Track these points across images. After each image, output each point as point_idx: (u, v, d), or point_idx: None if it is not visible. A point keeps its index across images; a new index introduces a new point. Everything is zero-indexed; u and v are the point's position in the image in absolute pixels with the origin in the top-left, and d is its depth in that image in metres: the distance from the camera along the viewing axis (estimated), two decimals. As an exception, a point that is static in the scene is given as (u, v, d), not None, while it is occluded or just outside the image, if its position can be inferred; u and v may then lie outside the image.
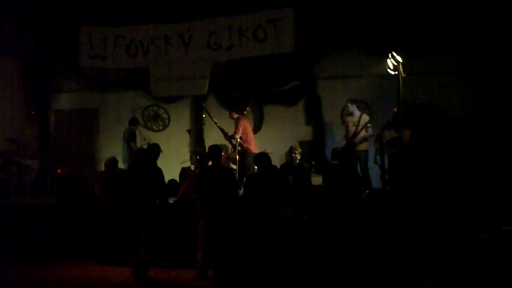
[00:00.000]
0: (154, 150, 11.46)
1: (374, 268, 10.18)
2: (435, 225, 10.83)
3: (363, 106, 15.81)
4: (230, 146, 14.63)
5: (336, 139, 15.75)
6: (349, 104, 14.74)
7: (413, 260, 10.42)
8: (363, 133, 14.10)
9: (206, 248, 10.57)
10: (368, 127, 14.14)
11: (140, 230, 10.74)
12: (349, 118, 14.71)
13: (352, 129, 14.32)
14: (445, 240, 10.64)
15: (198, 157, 13.35)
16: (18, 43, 17.12)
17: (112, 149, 15.64)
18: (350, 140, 14.02)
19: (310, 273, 10.14)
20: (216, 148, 11.19)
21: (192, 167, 13.24)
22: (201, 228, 10.63)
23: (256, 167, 11.17)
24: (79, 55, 15.78)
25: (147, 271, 10.73)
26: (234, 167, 13.94)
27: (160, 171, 11.13)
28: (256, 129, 16.04)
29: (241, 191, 11.46)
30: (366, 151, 14.10)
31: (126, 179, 11.30)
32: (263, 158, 11.22)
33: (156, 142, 15.11)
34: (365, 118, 14.37)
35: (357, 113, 14.52)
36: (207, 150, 12.20)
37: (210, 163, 11.37)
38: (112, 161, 12.86)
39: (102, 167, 13.82)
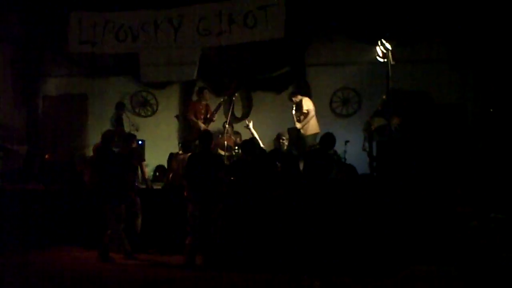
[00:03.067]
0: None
1: (363, 255, 10.25)
2: (424, 212, 10.88)
3: (351, 94, 15.89)
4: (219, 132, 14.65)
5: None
6: (293, 99, 14.95)
7: (403, 246, 10.48)
8: (302, 119, 14.59)
9: (194, 233, 10.59)
10: (306, 110, 14.63)
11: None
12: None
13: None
14: (434, 227, 10.70)
15: (181, 143, 13.36)
16: (6, 28, 16.95)
17: (100, 135, 15.56)
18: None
19: (300, 258, 10.20)
20: (206, 134, 11.25)
21: (180, 153, 13.21)
22: (190, 213, 10.64)
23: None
24: (69, 41, 15.67)
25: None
26: (223, 153, 13.96)
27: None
28: (244, 116, 16.04)
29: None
30: (314, 135, 14.40)
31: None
32: (248, 145, 11.28)
33: (144, 128, 15.35)
34: (304, 102, 14.81)
35: (303, 98, 14.92)
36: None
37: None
38: (98, 147, 12.80)
39: (91, 152, 13.78)
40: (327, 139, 11.41)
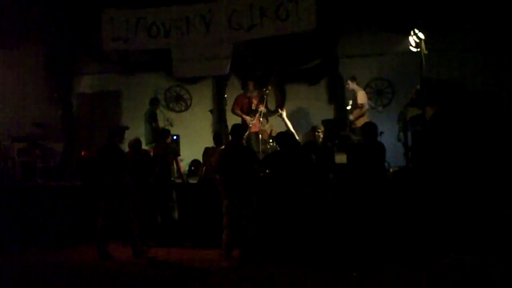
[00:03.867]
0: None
1: (400, 245, 10.20)
2: (461, 201, 10.80)
3: (385, 84, 15.81)
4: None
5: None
6: (348, 82, 14.73)
7: (440, 236, 10.41)
8: (357, 110, 14.33)
9: (230, 227, 10.62)
10: (360, 103, 14.46)
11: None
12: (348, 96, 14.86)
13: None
14: (470, 217, 10.62)
15: (213, 137, 13.37)
16: (40, 28, 17.09)
17: (135, 131, 15.63)
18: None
19: (335, 249, 10.18)
20: (238, 128, 11.27)
21: (213, 147, 13.23)
22: (226, 208, 10.68)
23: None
24: (101, 38, 15.77)
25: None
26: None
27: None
28: (277, 109, 16.02)
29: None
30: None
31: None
32: (283, 137, 11.26)
33: (178, 123, 15.37)
34: (359, 95, 14.61)
35: (358, 91, 14.73)
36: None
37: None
38: (136, 142, 12.89)
39: (125, 149, 13.85)
40: (373, 128, 11.30)
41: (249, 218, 10.57)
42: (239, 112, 14.60)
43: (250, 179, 10.72)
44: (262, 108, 14.35)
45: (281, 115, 13.90)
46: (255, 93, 14.62)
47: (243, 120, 14.41)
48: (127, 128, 12.33)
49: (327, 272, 9.50)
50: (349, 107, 15.03)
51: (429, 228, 10.59)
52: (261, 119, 14.28)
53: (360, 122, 14.05)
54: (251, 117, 14.44)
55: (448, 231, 10.50)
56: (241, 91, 15.45)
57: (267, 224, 10.83)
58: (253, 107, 14.47)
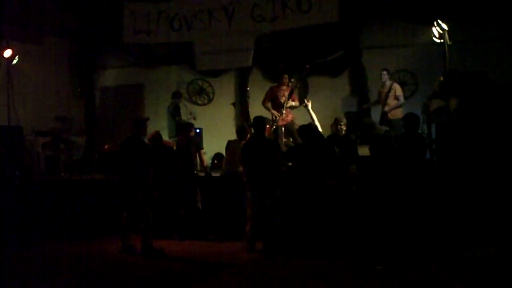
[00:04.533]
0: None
1: (425, 238, 10.12)
2: (485, 194, 10.70)
3: (408, 76, 15.71)
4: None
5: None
6: (384, 73, 14.61)
7: (464, 229, 10.33)
8: (393, 102, 14.17)
9: (254, 220, 10.63)
10: (398, 95, 14.25)
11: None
12: (380, 89, 14.75)
13: (383, 99, 14.53)
14: (495, 209, 10.52)
15: (236, 130, 13.33)
16: (62, 22, 17.19)
17: (158, 124, 15.66)
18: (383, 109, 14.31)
19: (359, 242, 10.13)
20: (260, 120, 11.25)
21: (236, 140, 13.19)
22: (249, 200, 10.68)
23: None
24: (123, 31, 15.85)
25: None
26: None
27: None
28: (300, 101, 15.93)
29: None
30: (399, 119, 13.95)
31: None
32: (305, 130, 11.22)
33: (201, 116, 15.37)
34: (395, 86, 14.39)
35: (388, 83, 14.54)
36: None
37: (249, 135, 11.70)
38: (156, 135, 12.91)
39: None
40: (415, 118, 11.24)
41: (273, 210, 10.56)
42: (268, 105, 14.37)
43: (274, 171, 10.71)
44: (296, 103, 14.25)
45: (306, 106, 13.78)
46: (284, 87, 14.44)
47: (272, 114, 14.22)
48: (147, 119, 12.25)
49: (351, 265, 9.42)
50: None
51: (453, 221, 10.50)
52: (283, 111, 14.15)
53: (394, 115, 14.04)
54: (279, 111, 14.11)
55: (473, 223, 10.40)
56: (271, 85, 15.01)
57: (291, 217, 10.80)
58: (283, 101, 14.22)
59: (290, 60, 15.88)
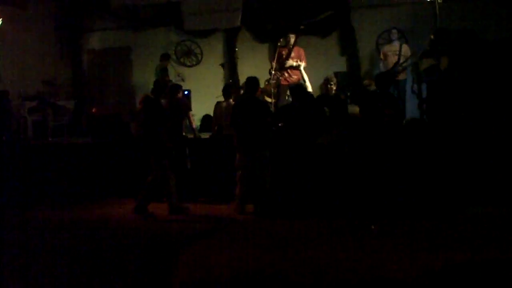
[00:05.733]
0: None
1: (417, 198, 10.08)
2: (476, 153, 10.65)
3: (399, 35, 15.57)
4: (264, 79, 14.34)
5: (375, 69, 15.36)
6: (394, 31, 14.46)
7: (457, 189, 10.29)
8: (404, 63, 14.01)
9: (243, 182, 10.55)
10: (409, 57, 14.04)
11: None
12: (387, 47, 14.48)
13: (392, 58, 14.20)
14: (487, 168, 10.48)
15: (223, 89, 13.20)
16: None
17: (146, 86, 15.61)
18: (393, 69, 13.89)
19: (349, 202, 10.08)
20: (252, 80, 11.07)
21: (223, 101, 13.07)
22: (239, 162, 10.60)
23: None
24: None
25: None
26: (270, 100, 13.79)
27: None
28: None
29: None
30: (405, 80, 14.02)
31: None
32: (297, 89, 11.13)
33: (189, 78, 15.26)
34: (406, 48, 14.26)
35: (397, 42, 14.34)
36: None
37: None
38: (146, 99, 12.82)
39: (136, 105, 13.82)
40: (387, 77, 11.17)
41: (263, 172, 10.48)
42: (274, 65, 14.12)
43: (264, 133, 10.58)
44: (296, 63, 13.89)
45: (299, 66, 13.65)
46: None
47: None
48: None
49: (343, 227, 9.37)
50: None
51: (446, 181, 10.47)
52: (273, 72, 14.03)
53: (401, 75, 14.05)
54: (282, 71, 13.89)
55: (465, 183, 10.36)
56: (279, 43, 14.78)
57: (281, 177, 10.72)
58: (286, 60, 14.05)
59: (278, 20, 15.74)
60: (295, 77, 13.81)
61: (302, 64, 13.55)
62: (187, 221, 10.51)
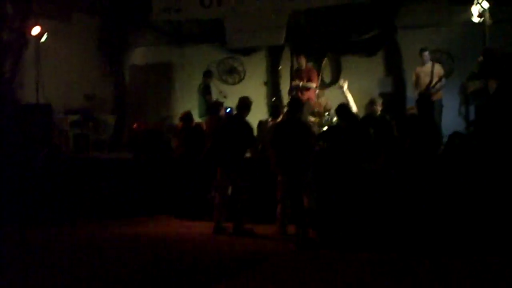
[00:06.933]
0: (244, 105, 11.23)
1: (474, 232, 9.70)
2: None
3: (443, 56, 15.29)
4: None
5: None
6: (426, 53, 14.21)
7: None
8: (437, 85, 13.73)
9: (284, 203, 10.41)
10: (442, 77, 13.76)
11: (232, 183, 10.86)
12: (419, 69, 14.23)
13: (424, 79, 13.92)
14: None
15: (272, 108, 13.08)
16: (92, 0, 17.05)
17: (188, 103, 15.56)
18: (427, 90, 13.62)
19: (401, 232, 9.75)
20: (296, 101, 11.04)
21: (270, 120, 12.94)
22: (280, 183, 10.44)
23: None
24: (153, 8, 15.63)
25: (244, 224, 10.81)
26: (313, 119, 13.66)
27: (249, 127, 11.21)
28: (333, 81, 15.68)
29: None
30: (440, 100, 13.71)
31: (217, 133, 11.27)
32: (343, 110, 10.92)
33: (232, 95, 15.12)
34: (439, 68, 13.97)
35: (429, 63, 14.05)
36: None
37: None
38: (187, 115, 12.78)
39: (178, 122, 13.75)
40: (427, 101, 10.96)
41: (305, 193, 10.22)
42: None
43: (305, 155, 10.32)
44: (310, 84, 14.22)
45: (341, 88, 13.51)
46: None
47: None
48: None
49: (390, 259, 8.95)
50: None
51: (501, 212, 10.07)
52: (317, 91, 13.98)
53: (435, 96, 13.69)
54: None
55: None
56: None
57: (327, 202, 10.44)
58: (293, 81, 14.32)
59: (323, 38, 15.59)
60: (305, 97, 14.03)
61: (345, 85, 13.44)
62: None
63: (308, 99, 13.94)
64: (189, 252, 9.74)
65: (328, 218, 10.31)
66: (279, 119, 11.92)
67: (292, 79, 14.53)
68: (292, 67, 15.13)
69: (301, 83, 14.10)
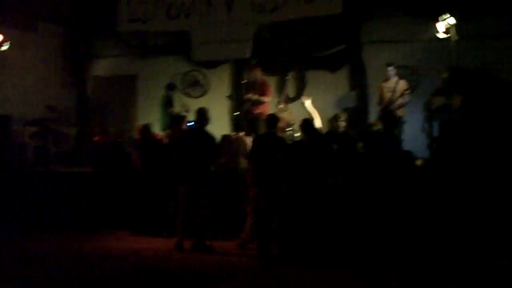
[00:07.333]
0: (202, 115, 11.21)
1: (428, 249, 9.66)
2: (489, 195, 10.27)
3: (408, 72, 15.27)
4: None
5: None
6: (390, 68, 14.18)
7: (472, 239, 9.85)
8: (400, 100, 13.70)
9: (257, 217, 10.38)
10: (405, 93, 13.76)
11: (194, 198, 10.70)
12: (384, 84, 14.19)
13: (387, 95, 13.90)
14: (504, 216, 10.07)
15: (248, 123, 12.98)
16: (56, 9, 16.88)
17: (151, 116, 15.39)
18: (387, 106, 13.62)
19: (360, 249, 9.65)
20: (272, 117, 11.07)
21: (233, 134, 12.81)
22: (253, 196, 10.46)
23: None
24: (118, 19, 15.47)
25: (204, 240, 10.67)
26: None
27: (212, 138, 11.15)
28: (297, 95, 15.62)
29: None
30: (401, 117, 13.68)
31: (178, 146, 11.27)
32: (309, 125, 10.83)
33: (195, 108, 14.97)
34: (403, 84, 13.93)
35: (394, 78, 14.03)
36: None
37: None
38: (145, 128, 12.66)
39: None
40: (392, 117, 10.88)
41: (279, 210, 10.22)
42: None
43: (280, 168, 10.35)
44: (261, 98, 14.22)
45: (304, 103, 13.44)
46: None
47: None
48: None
49: (349, 276, 8.92)
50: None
51: (457, 224, 10.07)
52: (281, 105, 13.92)
53: (400, 111, 13.67)
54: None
55: (481, 232, 9.92)
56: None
57: (290, 218, 10.31)
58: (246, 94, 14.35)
59: (289, 52, 15.54)
60: (258, 111, 13.96)
61: (306, 102, 13.39)
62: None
63: (260, 113, 13.88)
64: (149, 269, 9.55)
65: (290, 234, 10.21)
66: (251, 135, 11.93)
67: (244, 91, 14.45)
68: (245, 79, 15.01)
69: (255, 96, 14.03)
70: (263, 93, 14.12)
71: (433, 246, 9.71)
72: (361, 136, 11.59)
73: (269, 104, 14.39)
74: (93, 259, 10.20)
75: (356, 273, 8.99)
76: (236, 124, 12.92)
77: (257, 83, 14.23)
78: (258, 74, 14.46)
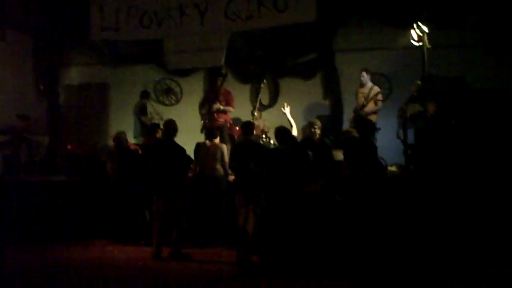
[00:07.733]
0: (170, 127, 11.20)
1: (406, 257, 9.70)
2: (470, 204, 10.35)
3: (382, 80, 15.35)
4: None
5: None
6: (364, 74, 14.23)
7: (448, 246, 9.93)
8: (371, 106, 13.82)
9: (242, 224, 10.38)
10: (377, 100, 13.83)
11: (169, 210, 10.71)
12: (360, 90, 14.28)
13: (361, 100, 14.02)
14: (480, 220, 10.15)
15: (206, 131, 12.91)
16: (27, 17, 16.66)
17: (123, 124, 15.32)
18: (358, 112, 13.81)
19: (338, 257, 9.67)
20: (249, 124, 11.19)
21: (207, 143, 12.74)
22: (238, 203, 10.56)
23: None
24: (90, 27, 15.33)
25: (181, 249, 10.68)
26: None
27: (182, 149, 11.15)
28: (271, 103, 15.63)
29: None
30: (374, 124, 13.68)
31: (152, 157, 11.22)
32: (284, 133, 10.83)
33: (169, 117, 14.94)
34: (375, 90, 13.99)
35: (369, 84, 14.12)
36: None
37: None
38: (119, 136, 12.60)
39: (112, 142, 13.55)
40: (368, 124, 10.94)
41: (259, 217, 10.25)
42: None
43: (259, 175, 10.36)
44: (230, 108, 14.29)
45: (284, 111, 13.49)
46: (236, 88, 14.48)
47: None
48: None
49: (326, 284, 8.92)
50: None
51: (432, 230, 10.14)
52: (255, 113, 13.93)
53: (372, 117, 13.70)
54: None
55: (458, 240, 10.00)
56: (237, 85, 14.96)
57: (270, 227, 10.34)
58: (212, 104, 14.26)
59: (262, 61, 15.56)
60: (221, 120, 14.06)
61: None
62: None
63: (225, 121, 14.01)
64: (128, 280, 9.48)
65: (269, 242, 10.23)
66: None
67: (206, 99, 14.47)
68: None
69: (221, 106, 14.03)
70: (227, 102, 14.12)
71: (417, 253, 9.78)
72: (340, 144, 11.63)
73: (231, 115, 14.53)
74: (69, 270, 10.06)
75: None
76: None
77: (222, 92, 14.20)
78: (222, 84, 14.44)
